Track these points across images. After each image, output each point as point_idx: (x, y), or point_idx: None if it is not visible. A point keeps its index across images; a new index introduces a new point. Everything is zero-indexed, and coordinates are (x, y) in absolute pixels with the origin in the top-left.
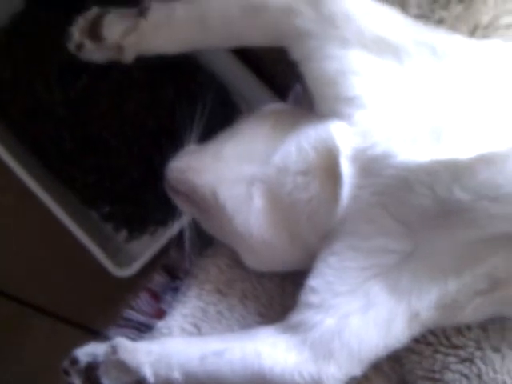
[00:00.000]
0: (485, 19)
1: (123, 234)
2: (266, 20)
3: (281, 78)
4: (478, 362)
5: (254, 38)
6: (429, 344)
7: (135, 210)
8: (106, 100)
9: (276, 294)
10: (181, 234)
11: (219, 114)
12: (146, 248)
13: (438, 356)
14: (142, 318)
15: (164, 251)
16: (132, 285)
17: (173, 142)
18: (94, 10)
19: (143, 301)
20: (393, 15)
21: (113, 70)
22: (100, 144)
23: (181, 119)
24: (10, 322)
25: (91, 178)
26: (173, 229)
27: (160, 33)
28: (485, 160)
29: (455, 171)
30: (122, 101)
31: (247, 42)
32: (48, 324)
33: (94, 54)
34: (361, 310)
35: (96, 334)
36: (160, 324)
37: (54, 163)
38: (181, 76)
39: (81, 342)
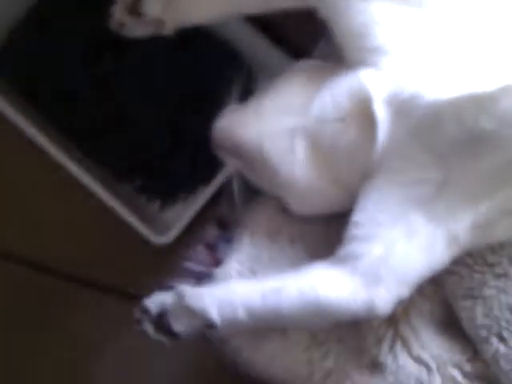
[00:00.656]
0: None
1: (157, 204)
2: None
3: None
4: None
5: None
6: (466, 265)
7: (165, 181)
8: (130, 77)
9: (322, 235)
10: (228, 188)
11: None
12: (180, 216)
13: (476, 275)
14: (200, 268)
15: (199, 217)
16: (170, 252)
17: (197, 110)
18: None
19: (200, 252)
20: None
21: (133, 48)
22: (127, 120)
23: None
24: (54, 296)
25: (121, 154)
26: (204, 194)
27: (197, 4)
28: (505, 90)
29: (479, 103)
30: (145, 76)
31: (278, 5)
32: (93, 295)
33: (135, 30)
34: (404, 237)
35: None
36: (218, 271)
37: (84, 141)
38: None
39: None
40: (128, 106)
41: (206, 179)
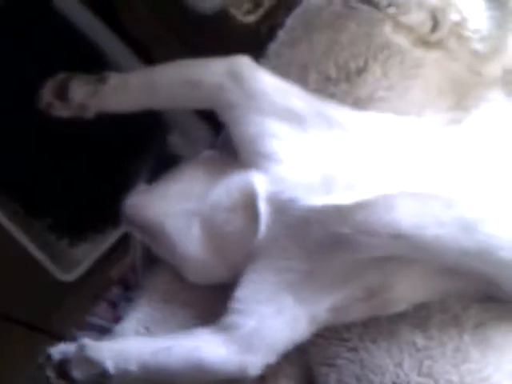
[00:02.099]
0: (363, 94)
1: (65, 241)
2: (201, 92)
3: None
4: (361, 351)
5: (192, 104)
6: (325, 337)
7: (75, 220)
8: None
9: (210, 302)
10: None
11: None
12: (88, 255)
13: (332, 347)
14: (102, 323)
15: (105, 257)
16: (77, 287)
17: (110, 159)
18: (62, 75)
19: (103, 308)
20: (298, 91)
21: None
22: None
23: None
24: None
25: (33, 191)
26: (113, 236)
27: (116, 96)
28: (361, 205)
29: (340, 213)
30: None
31: (185, 106)
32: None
33: (61, 111)
34: (274, 314)
35: (47, 334)
36: (118, 327)
37: None
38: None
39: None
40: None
41: (116, 221)
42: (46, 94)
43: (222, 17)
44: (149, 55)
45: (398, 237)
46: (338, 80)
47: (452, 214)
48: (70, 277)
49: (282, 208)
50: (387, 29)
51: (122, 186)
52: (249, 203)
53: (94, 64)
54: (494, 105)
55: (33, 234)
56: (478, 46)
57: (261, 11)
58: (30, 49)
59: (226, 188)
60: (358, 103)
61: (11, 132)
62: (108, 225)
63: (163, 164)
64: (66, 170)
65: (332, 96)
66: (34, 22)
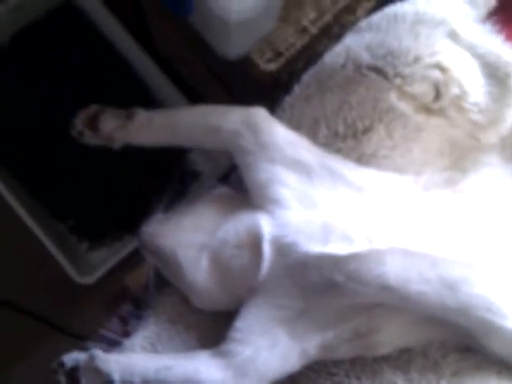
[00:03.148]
0: (368, 151)
1: (85, 245)
2: (219, 137)
3: None
4: None
5: (209, 146)
6: (314, 370)
7: (97, 225)
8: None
9: (212, 327)
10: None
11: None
12: (106, 259)
13: (320, 379)
14: (113, 336)
15: (122, 264)
16: (93, 291)
17: (134, 176)
18: (94, 107)
19: (114, 323)
20: (307, 144)
21: None
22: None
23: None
24: None
25: (60, 193)
26: (130, 246)
27: (141, 132)
28: (354, 257)
29: (335, 262)
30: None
31: (204, 147)
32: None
33: (91, 139)
34: (269, 346)
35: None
36: (126, 342)
37: (28, 179)
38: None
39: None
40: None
41: (134, 231)
42: (79, 122)
43: (246, 63)
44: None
45: (386, 288)
46: (345, 136)
47: (436, 273)
48: (87, 279)
49: (284, 250)
50: (393, 96)
51: (143, 201)
52: (254, 242)
53: (140, 100)
54: (490, 169)
55: (55, 234)
56: (477, 117)
57: (281, 60)
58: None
59: (235, 226)
60: (362, 159)
61: (49, 148)
62: (127, 234)
63: (184, 183)
64: (94, 179)
65: (339, 151)
66: (83, 48)
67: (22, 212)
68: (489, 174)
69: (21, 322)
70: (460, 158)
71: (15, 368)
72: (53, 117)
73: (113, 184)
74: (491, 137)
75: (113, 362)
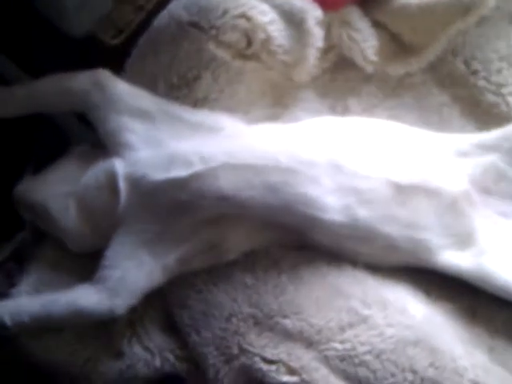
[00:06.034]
0: (200, 96)
1: None
2: (72, 98)
3: None
4: (205, 292)
5: (66, 107)
6: (177, 284)
7: None
8: None
9: (89, 268)
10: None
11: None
12: None
13: (183, 291)
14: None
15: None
16: None
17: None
18: None
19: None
20: (147, 95)
21: None
22: None
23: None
24: None
25: None
26: (4, 251)
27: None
28: (193, 176)
29: (179, 184)
30: None
31: (62, 109)
32: None
33: None
34: (135, 267)
35: None
36: (12, 291)
37: None
38: None
39: None
40: None
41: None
42: None
43: (93, 40)
44: None
45: (223, 199)
46: (179, 86)
47: (259, 179)
48: None
49: (136, 183)
50: (211, 46)
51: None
52: (111, 182)
53: None
54: (307, 103)
55: None
56: (284, 58)
57: (122, 36)
58: None
59: (95, 172)
60: (198, 104)
61: None
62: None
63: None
64: None
65: (177, 99)
66: None
67: None
68: (306, 108)
69: None
70: (280, 96)
71: None
72: None
73: None
74: (302, 75)
75: (1, 307)
